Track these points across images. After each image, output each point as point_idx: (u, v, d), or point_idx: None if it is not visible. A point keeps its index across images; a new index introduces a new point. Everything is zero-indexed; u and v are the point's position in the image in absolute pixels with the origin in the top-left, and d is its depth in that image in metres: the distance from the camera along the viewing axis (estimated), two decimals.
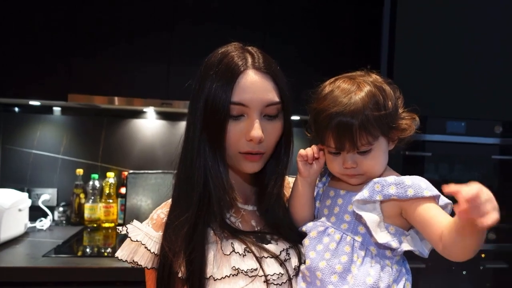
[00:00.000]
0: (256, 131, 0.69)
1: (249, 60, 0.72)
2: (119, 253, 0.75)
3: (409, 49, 1.73)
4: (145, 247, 0.74)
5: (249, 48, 0.76)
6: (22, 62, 1.82)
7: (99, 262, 1.53)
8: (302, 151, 0.76)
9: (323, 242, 0.71)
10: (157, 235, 0.75)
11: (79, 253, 1.67)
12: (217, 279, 0.68)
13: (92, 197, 2.07)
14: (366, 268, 0.67)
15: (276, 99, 0.72)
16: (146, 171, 2.07)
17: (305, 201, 0.78)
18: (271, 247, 0.73)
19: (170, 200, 0.78)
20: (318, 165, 0.76)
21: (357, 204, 0.68)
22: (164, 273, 0.71)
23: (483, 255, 1.78)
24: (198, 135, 0.73)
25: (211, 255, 0.70)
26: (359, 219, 0.70)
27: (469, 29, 1.78)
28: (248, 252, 0.70)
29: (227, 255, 0.70)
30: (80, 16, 1.85)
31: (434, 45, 1.74)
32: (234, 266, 0.69)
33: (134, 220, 0.78)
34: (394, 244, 0.67)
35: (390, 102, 0.70)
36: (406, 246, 0.68)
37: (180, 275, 0.69)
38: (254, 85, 0.71)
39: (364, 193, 0.68)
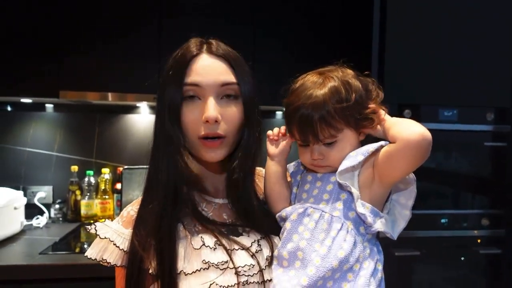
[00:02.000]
0: (211, 111, 0.70)
1: (205, 46, 0.75)
2: (88, 252, 0.74)
3: (400, 37, 1.72)
4: (114, 244, 0.73)
5: (211, 40, 0.78)
6: (11, 59, 1.80)
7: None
8: (269, 131, 0.79)
9: (303, 223, 0.73)
10: (127, 232, 0.74)
11: (77, 250, 1.68)
12: (188, 273, 0.68)
13: (88, 194, 2.07)
14: (340, 241, 0.69)
15: (232, 79, 0.73)
16: (141, 166, 2.07)
17: (276, 179, 0.79)
18: (242, 239, 0.73)
19: (141, 197, 0.78)
20: (284, 144, 0.79)
21: (340, 176, 0.70)
22: (133, 269, 0.70)
23: (479, 240, 1.80)
24: (162, 125, 0.73)
25: (181, 250, 0.70)
26: (338, 195, 0.73)
27: (461, 17, 1.77)
28: (218, 245, 0.71)
29: (197, 249, 0.70)
30: (69, 12, 1.83)
31: (426, 33, 1.74)
32: (204, 260, 0.69)
33: (106, 220, 0.78)
34: (369, 219, 0.70)
35: (354, 95, 0.72)
36: (379, 225, 0.71)
37: (150, 271, 0.69)
38: (208, 66, 0.72)
39: (345, 163, 0.70)
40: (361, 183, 0.72)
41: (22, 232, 1.86)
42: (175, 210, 0.72)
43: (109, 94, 1.85)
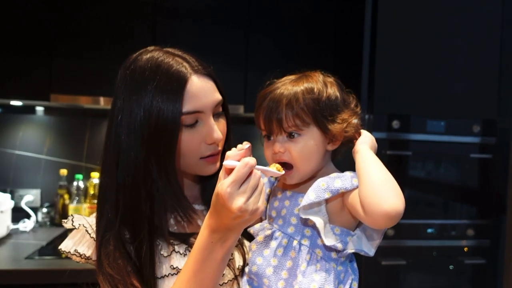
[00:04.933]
0: (217, 133, 0.71)
1: (187, 65, 0.71)
2: (63, 244, 0.74)
3: (390, 50, 1.76)
4: (88, 234, 0.72)
5: (173, 50, 0.74)
6: (2, 61, 1.79)
7: (84, 264, 1.52)
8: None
9: (270, 247, 0.71)
10: None
11: (63, 255, 1.66)
12: (157, 278, 0.69)
13: (77, 198, 2.06)
14: (311, 273, 0.67)
15: (220, 97, 0.74)
16: None
17: None
18: None
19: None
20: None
21: (303, 210, 0.67)
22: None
23: (465, 249, 1.83)
24: (140, 155, 0.68)
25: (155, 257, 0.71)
26: (305, 222, 0.70)
27: (448, 31, 1.81)
28: (189, 251, 0.69)
29: (167, 256, 0.71)
30: (61, 14, 1.83)
31: (415, 47, 1.78)
32: (172, 265, 0.70)
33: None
34: (340, 246, 0.67)
35: (327, 93, 0.70)
36: (351, 248, 0.68)
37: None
38: (203, 89, 0.70)
39: (310, 197, 0.66)
40: (329, 209, 0.69)
41: (8, 236, 1.84)
42: (153, 229, 0.71)
43: (101, 99, 1.85)
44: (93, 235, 0.72)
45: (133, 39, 1.87)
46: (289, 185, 0.75)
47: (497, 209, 1.85)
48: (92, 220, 0.75)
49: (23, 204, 2.02)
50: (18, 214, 1.98)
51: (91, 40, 1.85)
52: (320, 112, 0.69)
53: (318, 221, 0.66)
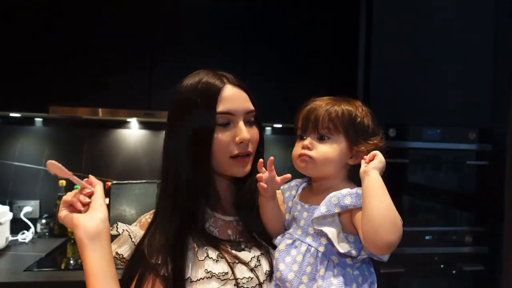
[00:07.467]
0: (245, 133, 0.80)
1: (224, 78, 0.83)
2: None
3: (386, 59, 1.78)
4: (131, 238, 0.82)
5: (216, 70, 0.85)
6: (1, 73, 1.80)
7: (83, 275, 1.52)
8: (259, 175, 0.82)
9: (291, 254, 0.77)
10: (142, 233, 0.83)
11: (63, 266, 1.66)
12: (193, 281, 0.76)
13: None
14: (329, 278, 0.73)
15: (252, 107, 0.84)
16: (129, 181, 2.07)
17: (272, 216, 0.85)
18: (243, 254, 0.81)
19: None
20: (273, 184, 0.82)
21: (316, 221, 0.74)
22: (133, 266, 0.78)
23: (466, 249, 1.84)
24: (184, 153, 0.79)
25: (189, 260, 0.78)
26: (320, 232, 0.76)
27: (443, 41, 1.84)
28: (221, 258, 0.78)
29: (201, 260, 0.78)
30: (60, 28, 1.85)
31: (410, 56, 1.80)
32: (206, 269, 0.76)
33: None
34: (354, 252, 0.74)
35: (362, 120, 0.79)
36: (364, 254, 0.74)
37: (161, 272, 0.76)
38: (235, 95, 0.82)
39: (321, 210, 0.73)
40: (342, 221, 0.75)
41: (7, 247, 1.84)
42: (191, 227, 0.80)
43: (99, 110, 1.86)
44: (134, 239, 0.81)
45: (130, 52, 1.89)
46: (307, 198, 0.83)
47: (494, 216, 1.86)
48: (134, 228, 0.84)
49: (22, 216, 2.02)
50: (17, 225, 1.98)
51: (88, 52, 1.87)
52: (352, 127, 0.78)
53: (331, 231, 0.73)
